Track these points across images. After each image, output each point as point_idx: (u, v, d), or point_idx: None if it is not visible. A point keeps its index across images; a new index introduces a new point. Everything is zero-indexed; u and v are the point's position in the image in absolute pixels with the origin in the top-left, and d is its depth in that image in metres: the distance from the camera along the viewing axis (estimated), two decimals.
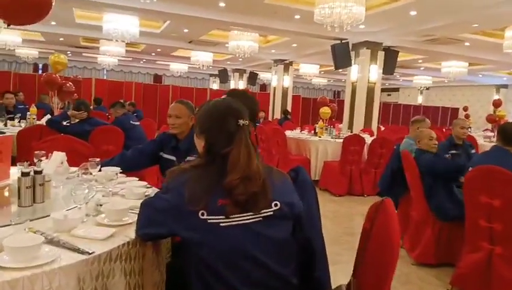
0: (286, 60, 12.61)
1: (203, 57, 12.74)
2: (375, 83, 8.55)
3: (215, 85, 18.30)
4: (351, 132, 7.22)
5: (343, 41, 8.08)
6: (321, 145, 6.19)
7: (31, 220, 1.26)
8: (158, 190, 1.39)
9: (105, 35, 8.06)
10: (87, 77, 13.59)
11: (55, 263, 1.04)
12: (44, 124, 4.25)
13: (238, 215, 1.19)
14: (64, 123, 4.04)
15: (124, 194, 1.77)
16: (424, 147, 3.31)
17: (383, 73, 8.57)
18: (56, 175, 1.60)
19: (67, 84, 5.17)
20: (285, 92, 12.98)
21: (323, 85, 21.10)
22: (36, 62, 15.52)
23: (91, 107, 6.90)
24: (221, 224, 1.16)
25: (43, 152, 2.10)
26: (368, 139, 6.03)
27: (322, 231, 1.73)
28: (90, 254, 1.12)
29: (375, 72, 8.41)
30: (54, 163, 1.66)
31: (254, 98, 1.88)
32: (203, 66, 12.92)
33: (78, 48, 13.39)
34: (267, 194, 1.23)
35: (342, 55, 8.05)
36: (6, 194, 1.63)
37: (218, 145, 1.25)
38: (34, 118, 4.91)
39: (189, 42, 11.19)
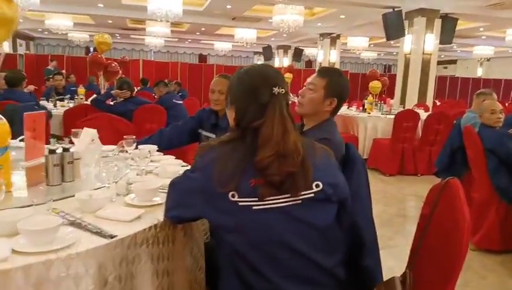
0: (333, 33, 12.05)
1: (246, 34, 12.53)
2: (431, 54, 7.89)
3: (259, 62, 18.10)
4: (404, 108, 6.76)
5: (395, 9, 7.49)
6: (370, 122, 5.84)
7: (54, 200, 1.19)
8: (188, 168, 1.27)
9: (149, 15, 8.09)
10: (135, 58, 13.91)
11: (72, 247, 0.95)
12: (90, 103, 4.33)
13: (273, 197, 1.03)
14: (109, 102, 4.08)
15: (157, 173, 1.68)
16: (486, 122, 2.95)
17: (439, 43, 7.88)
18: (87, 153, 1.54)
19: (113, 64, 5.24)
20: None
21: (373, 59, 20.10)
22: (88, 45, 16.13)
23: (138, 87, 7.02)
24: (253, 207, 1.01)
25: (81, 130, 2.08)
26: (423, 115, 5.60)
27: (373, 215, 1.54)
28: (112, 237, 1.03)
29: (431, 42, 7.75)
30: (84, 140, 1.60)
31: (347, 78, 1.75)
32: (246, 43, 12.72)
33: (125, 29, 13.70)
34: (308, 174, 1.06)
35: (394, 24, 7.48)
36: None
37: (248, 117, 1.08)
38: (81, 98, 5.04)
39: (233, 19, 11.02)
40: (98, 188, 1.36)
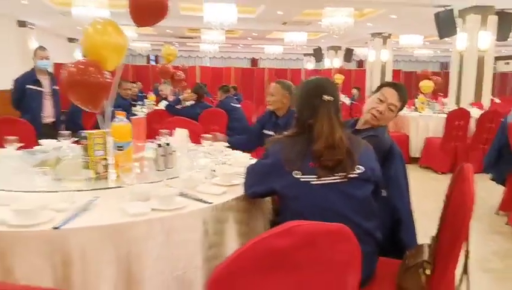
0: (384, 32, 11.99)
1: (297, 37, 12.83)
2: (486, 51, 7.72)
3: (309, 64, 18.27)
4: (458, 106, 6.73)
5: (446, 8, 7.45)
6: (422, 121, 5.94)
7: (167, 179, 1.66)
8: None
9: (205, 24, 8.69)
10: (191, 65, 14.78)
11: (186, 208, 1.40)
12: (164, 108, 4.93)
13: (327, 176, 1.41)
14: (178, 107, 4.65)
15: (231, 163, 2.11)
16: None
17: (496, 39, 7.69)
18: (180, 147, 2.00)
19: (178, 73, 5.85)
20: (383, 67, 12.41)
21: (428, 57, 19.46)
22: (148, 54, 17.35)
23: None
24: (311, 182, 1.40)
25: (167, 130, 2.61)
26: (477, 113, 5.60)
27: (411, 202, 1.86)
28: (210, 203, 1.46)
29: (486, 39, 7.59)
30: (179, 138, 2.07)
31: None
32: (297, 46, 13.03)
33: (183, 38, 14.58)
34: (353, 160, 1.43)
35: (446, 23, 7.45)
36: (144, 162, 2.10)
37: (304, 116, 1.48)
38: (153, 104, 5.68)
39: (283, 24, 11.39)
40: (191, 172, 1.81)
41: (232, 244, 1.53)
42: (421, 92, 6.97)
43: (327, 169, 1.40)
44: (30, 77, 3.98)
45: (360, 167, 1.44)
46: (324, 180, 1.40)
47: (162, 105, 5.70)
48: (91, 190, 1.56)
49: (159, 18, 1.97)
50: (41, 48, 4.02)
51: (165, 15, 2.00)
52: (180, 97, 4.82)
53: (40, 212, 1.25)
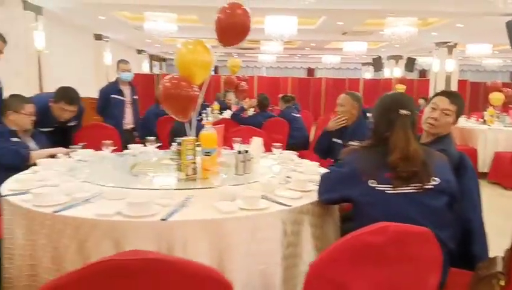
0: (449, 42, 11.53)
1: (356, 47, 12.75)
2: None
3: (367, 74, 17.96)
4: None
5: None
6: (491, 134, 5.68)
7: (248, 183, 1.84)
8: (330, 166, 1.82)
9: (266, 36, 8.96)
10: (250, 75, 15.18)
11: (268, 209, 1.57)
12: (228, 117, 5.22)
13: (402, 186, 1.50)
14: (243, 116, 4.90)
15: (302, 171, 2.25)
16: None
17: None
18: (256, 154, 2.19)
19: (241, 84, 6.13)
20: (448, 77, 11.90)
21: (498, 66, 18.27)
22: None
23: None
24: (386, 191, 1.50)
25: (239, 139, 2.82)
26: None
27: (482, 215, 1.88)
28: (289, 206, 1.61)
29: None
30: (255, 145, 2.26)
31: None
32: (356, 55, 12.93)
33: (242, 49, 15.05)
34: (428, 172, 1.51)
35: None
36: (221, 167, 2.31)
37: (380, 129, 1.58)
38: (219, 113, 6.00)
39: (343, 34, 11.38)
40: (269, 177, 1.98)
41: (307, 245, 1.66)
42: (491, 105, 6.64)
43: (402, 180, 1.49)
44: (114, 87, 4.43)
45: (436, 178, 1.52)
46: (399, 190, 1.50)
47: (226, 114, 5.99)
48: (186, 189, 1.78)
49: (242, 38, 2.18)
50: (123, 61, 4.46)
51: (247, 35, 2.20)
52: (245, 106, 5.07)
53: (150, 206, 1.48)
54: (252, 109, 5.88)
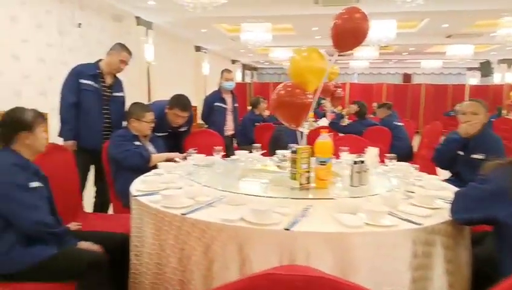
0: None
1: (461, 50, 11.69)
2: None
3: (473, 80, 16.31)
4: None
5: None
6: None
7: (369, 196, 1.74)
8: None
9: (366, 42, 8.66)
10: (341, 82, 14.85)
11: (397, 227, 1.44)
12: (326, 125, 5.11)
13: None
14: (342, 124, 4.75)
15: (423, 185, 2.06)
16: None
17: None
18: (371, 165, 2.06)
19: (338, 91, 5.97)
20: None
21: None
22: None
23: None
24: None
25: (347, 148, 2.72)
26: None
27: None
28: (420, 225, 1.47)
29: None
30: (371, 156, 2.14)
31: None
32: (460, 59, 11.85)
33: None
34: None
35: None
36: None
37: None
38: (314, 121, 5.93)
39: (447, 37, 10.51)
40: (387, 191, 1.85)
41: (439, 269, 1.49)
42: None
43: None
44: (217, 95, 4.63)
45: None
46: None
47: (322, 122, 5.88)
48: (304, 198, 1.74)
49: (358, 43, 2.09)
50: (227, 70, 4.65)
51: (364, 40, 2.10)
52: (344, 113, 4.91)
53: (272, 214, 1.46)
54: (347, 117, 5.68)
